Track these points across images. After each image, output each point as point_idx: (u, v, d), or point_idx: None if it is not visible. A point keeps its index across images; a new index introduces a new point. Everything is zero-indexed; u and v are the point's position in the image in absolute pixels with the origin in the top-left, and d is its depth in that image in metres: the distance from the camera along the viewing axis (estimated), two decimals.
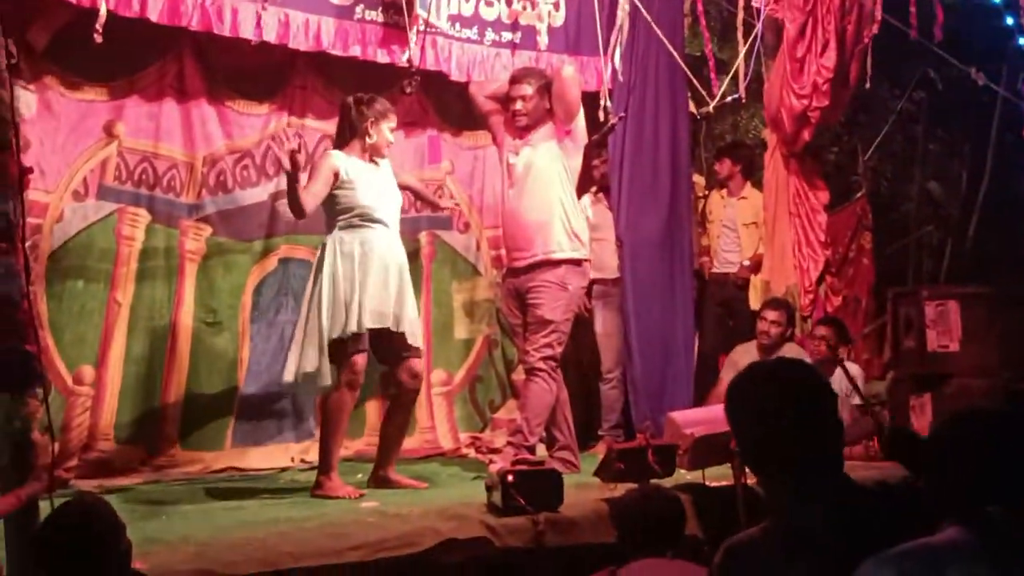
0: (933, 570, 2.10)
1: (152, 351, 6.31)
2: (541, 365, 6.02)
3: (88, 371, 6.11)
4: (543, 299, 6.07)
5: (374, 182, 5.71)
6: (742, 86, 7.25)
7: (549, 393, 6.05)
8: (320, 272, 5.57)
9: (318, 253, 5.70)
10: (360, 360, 5.59)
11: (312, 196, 5.54)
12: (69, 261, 6.06)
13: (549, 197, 6.09)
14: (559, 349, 6.10)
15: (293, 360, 5.56)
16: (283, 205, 6.67)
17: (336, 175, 5.59)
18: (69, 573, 3.01)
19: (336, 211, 5.64)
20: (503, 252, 6.54)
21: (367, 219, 5.65)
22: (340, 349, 5.52)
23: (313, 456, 6.49)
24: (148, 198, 6.33)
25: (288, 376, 5.61)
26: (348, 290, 5.51)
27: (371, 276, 5.57)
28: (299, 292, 6.58)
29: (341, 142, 5.76)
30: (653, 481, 4.88)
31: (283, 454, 6.68)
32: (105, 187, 6.20)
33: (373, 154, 5.75)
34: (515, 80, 6.18)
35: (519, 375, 7.39)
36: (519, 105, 6.10)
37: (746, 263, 7.71)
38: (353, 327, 5.50)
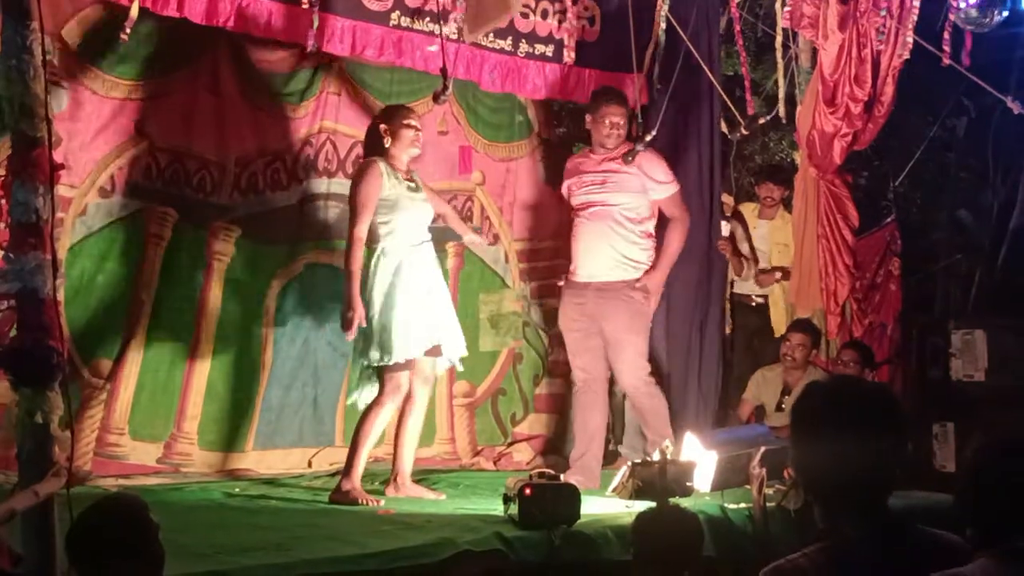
0: None
1: (174, 349, 6.31)
2: (652, 379, 6.37)
3: (106, 365, 6.10)
4: (623, 316, 6.30)
5: (411, 199, 5.76)
6: (781, 107, 7.25)
7: (664, 403, 6.42)
8: (368, 296, 5.63)
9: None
10: (403, 377, 5.65)
11: (363, 220, 5.62)
12: (90, 255, 6.05)
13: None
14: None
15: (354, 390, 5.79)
16: (312, 210, 6.72)
17: (380, 187, 5.64)
18: (99, 571, 3.01)
19: (375, 231, 5.68)
20: (572, 269, 6.60)
21: (408, 239, 5.70)
22: (387, 367, 5.59)
23: (331, 462, 6.50)
24: (178, 197, 6.32)
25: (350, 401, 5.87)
26: (388, 316, 5.57)
27: (419, 299, 5.64)
28: (326, 296, 6.62)
29: (373, 152, 5.79)
30: (672, 500, 4.85)
31: (301, 458, 6.67)
32: (134, 185, 6.19)
33: (401, 167, 5.80)
34: (610, 103, 6.49)
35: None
36: (612, 129, 6.45)
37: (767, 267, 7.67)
38: (401, 356, 5.56)
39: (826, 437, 2.40)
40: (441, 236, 7.07)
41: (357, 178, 5.77)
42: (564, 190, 6.78)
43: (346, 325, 5.57)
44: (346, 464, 5.66)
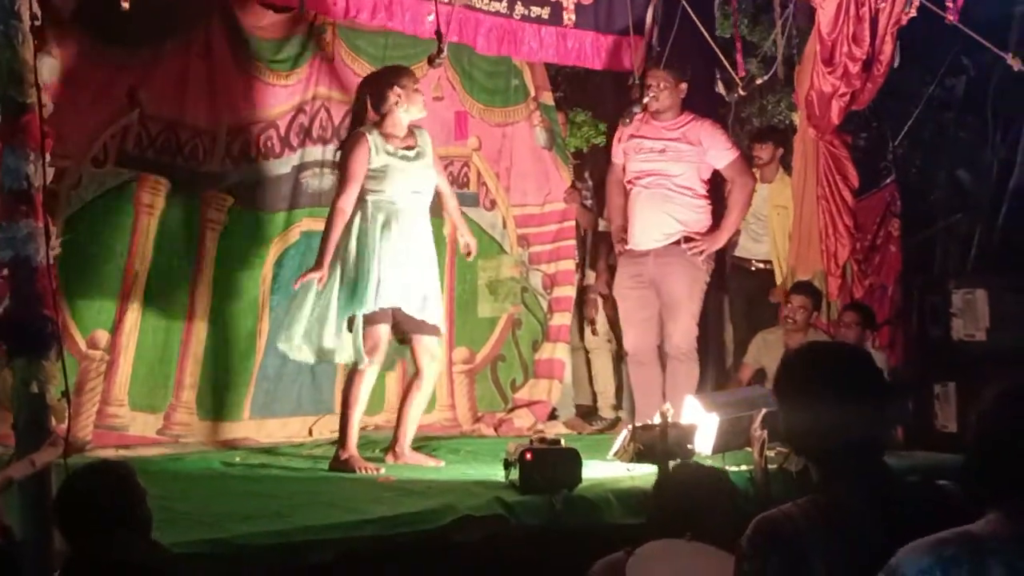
0: (972, 559, 2.03)
1: (169, 319, 6.28)
2: (696, 346, 6.52)
3: (102, 336, 6.07)
4: (681, 280, 6.42)
5: (405, 167, 5.65)
6: (781, 69, 7.21)
7: (696, 377, 6.55)
8: (339, 245, 5.54)
9: None
10: (381, 334, 5.56)
11: (348, 192, 5.53)
12: (84, 226, 6.00)
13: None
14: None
15: (299, 333, 5.56)
16: (307, 177, 6.67)
17: (369, 158, 5.55)
18: (88, 537, 3.01)
19: (364, 195, 5.59)
20: (629, 238, 6.67)
21: (399, 202, 5.62)
22: (361, 324, 5.49)
23: (332, 429, 6.48)
24: (169, 166, 6.26)
25: (283, 346, 5.66)
26: (366, 266, 5.48)
27: (391, 252, 5.53)
28: None
29: (359, 122, 5.71)
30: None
31: (301, 426, 6.65)
32: (126, 154, 6.13)
33: (399, 133, 5.70)
34: (650, 68, 6.67)
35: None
36: (652, 92, 6.51)
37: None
38: (371, 306, 5.46)
39: (808, 402, 2.46)
40: (439, 203, 7.04)
41: (345, 149, 5.67)
42: (618, 153, 6.80)
43: (302, 278, 5.51)
44: (339, 433, 5.62)
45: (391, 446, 5.80)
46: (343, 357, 5.64)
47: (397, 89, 5.65)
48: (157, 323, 6.24)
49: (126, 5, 5.42)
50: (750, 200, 6.83)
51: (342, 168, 5.61)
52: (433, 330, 5.71)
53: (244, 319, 6.51)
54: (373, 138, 5.60)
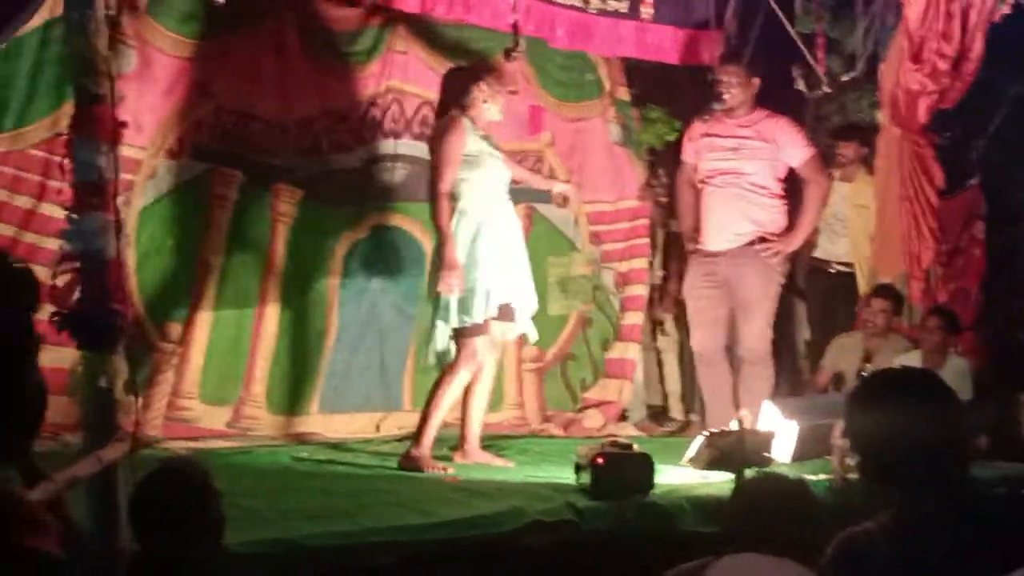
0: None
1: (241, 312, 6.27)
2: (770, 349, 6.45)
3: (175, 328, 6.08)
4: (755, 281, 6.33)
5: (492, 157, 5.62)
6: (860, 65, 7.05)
7: (771, 381, 6.45)
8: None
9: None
10: (483, 343, 5.53)
11: (449, 178, 5.47)
12: (159, 218, 6.03)
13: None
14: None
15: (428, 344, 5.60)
16: (377, 171, 6.62)
17: (464, 141, 5.49)
18: (160, 536, 2.97)
19: (455, 189, 5.52)
20: (701, 238, 6.58)
21: (487, 198, 5.56)
22: (467, 329, 5.46)
23: (399, 427, 6.42)
24: (242, 159, 6.26)
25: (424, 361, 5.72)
26: (472, 275, 5.44)
27: (493, 257, 5.50)
28: (393, 259, 6.54)
29: (444, 112, 5.64)
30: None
31: (367, 422, 6.60)
32: (200, 146, 6.14)
33: (482, 127, 5.65)
34: (721, 65, 6.57)
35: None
36: (723, 88, 6.40)
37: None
38: (480, 317, 5.44)
39: (880, 424, 2.47)
40: (512, 198, 6.95)
41: (441, 133, 5.58)
42: (689, 153, 6.70)
43: (446, 285, 5.40)
44: (417, 431, 5.56)
45: (459, 444, 5.73)
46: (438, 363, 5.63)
47: (483, 86, 5.60)
48: (229, 316, 6.23)
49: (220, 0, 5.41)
50: (826, 200, 6.70)
51: (440, 152, 5.52)
52: (505, 314, 5.65)
53: (313, 314, 6.48)
54: (467, 123, 5.55)
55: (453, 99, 5.64)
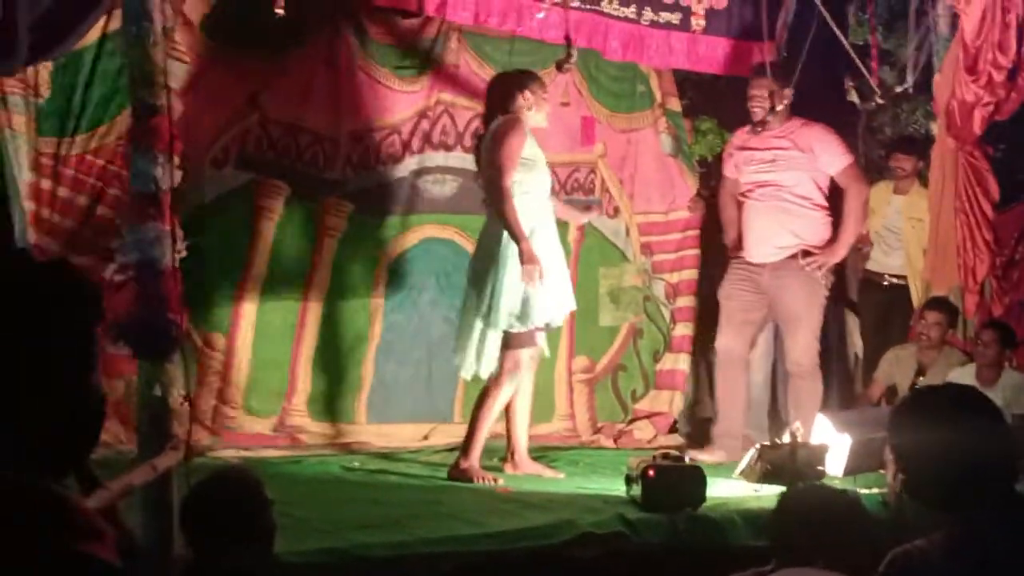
0: None
1: (284, 323, 6.30)
2: (818, 361, 6.39)
3: (219, 338, 6.12)
4: (799, 295, 6.28)
5: (542, 160, 5.61)
6: (911, 76, 7.00)
7: (819, 394, 6.39)
8: (498, 261, 5.44)
9: (483, 238, 5.60)
10: (527, 354, 5.52)
11: (511, 172, 5.43)
12: (203, 228, 5.96)
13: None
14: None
15: (472, 355, 5.53)
16: (427, 183, 6.63)
17: (524, 142, 5.47)
18: (210, 544, 3.00)
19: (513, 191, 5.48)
20: (745, 250, 6.52)
21: (539, 203, 5.55)
22: (515, 339, 5.45)
23: (448, 437, 6.42)
24: (290, 171, 6.28)
25: (466, 373, 5.64)
26: (515, 285, 5.39)
27: (553, 267, 5.48)
28: (441, 272, 6.55)
29: (491, 118, 5.62)
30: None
31: (417, 433, 6.60)
32: (246, 157, 6.17)
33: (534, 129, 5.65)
34: (751, 78, 6.51)
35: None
36: (755, 102, 6.36)
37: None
38: (540, 321, 5.44)
39: (927, 443, 2.43)
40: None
41: (503, 133, 5.49)
42: (730, 167, 6.67)
43: (529, 279, 5.32)
44: (464, 442, 5.57)
45: (508, 455, 5.72)
46: (481, 373, 5.59)
47: (528, 93, 5.58)
48: (272, 327, 6.26)
49: (280, 11, 5.44)
50: (866, 208, 6.61)
51: (501, 150, 5.43)
52: (545, 329, 5.64)
53: (356, 322, 6.48)
54: (526, 125, 5.54)
55: (499, 105, 5.62)
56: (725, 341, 6.53)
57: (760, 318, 6.50)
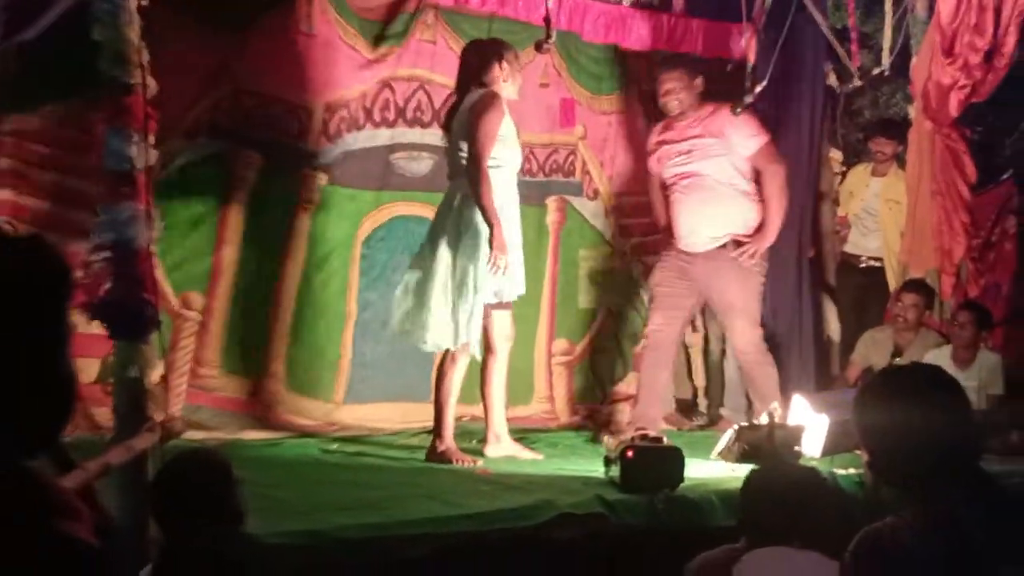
0: None
1: (260, 292, 6.27)
2: (764, 345, 6.30)
3: (196, 297, 6.09)
4: (735, 285, 6.21)
5: (514, 135, 5.56)
6: (886, 59, 7.00)
7: (775, 376, 6.31)
8: (467, 233, 5.37)
9: (447, 210, 5.50)
10: (483, 324, 5.47)
11: (490, 148, 5.35)
12: (176, 192, 5.92)
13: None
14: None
15: (445, 329, 5.39)
16: (400, 159, 6.59)
17: (502, 120, 5.41)
18: (181, 525, 2.99)
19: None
20: (676, 240, 6.45)
21: (509, 179, 5.51)
22: (476, 314, 5.38)
23: (426, 417, 6.41)
24: (263, 142, 6.22)
25: (430, 346, 5.50)
26: (480, 256, 5.33)
27: (518, 238, 5.45)
28: (414, 251, 6.51)
29: (470, 86, 5.53)
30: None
31: (395, 413, 6.58)
32: (218, 127, 6.11)
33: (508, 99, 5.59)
34: (661, 72, 6.38)
35: (641, 348, 7.26)
36: (669, 97, 6.27)
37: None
38: (510, 294, 5.40)
39: (892, 422, 2.43)
40: (544, 190, 6.93)
41: (481, 109, 5.40)
42: (652, 163, 6.61)
43: (495, 266, 5.26)
44: (434, 424, 5.54)
45: (488, 436, 5.71)
46: (435, 346, 5.53)
47: (504, 63, 5.53)
48: (248, 295, 6.22)
49: None
50: (786, 188, 6.41)
51: (480, 128, 5.35)
52: (507, 305, 5.59)
53: (332, 299, 6.46)
54: (504, 100, 5.46)
55: (475, 75, 5.54)
56: (653, 328, 6.46)
57: (690, 305, 6.46)
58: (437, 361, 5.77)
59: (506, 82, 5.53)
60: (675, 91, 6.27)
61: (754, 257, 6.25)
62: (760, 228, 6.29)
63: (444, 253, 5.39)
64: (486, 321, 5.50)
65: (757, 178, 6.35)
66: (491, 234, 5.25)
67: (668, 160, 6.42)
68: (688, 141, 6.32)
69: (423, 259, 5.52)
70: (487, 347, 5.59)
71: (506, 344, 5.66)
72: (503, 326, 5.61)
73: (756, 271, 6.30)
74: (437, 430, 5.50)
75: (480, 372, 5.67)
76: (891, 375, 2.77)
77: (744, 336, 6.30)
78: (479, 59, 5.57)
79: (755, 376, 6.31)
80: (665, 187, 6.51)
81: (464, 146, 5.42)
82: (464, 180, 5.42)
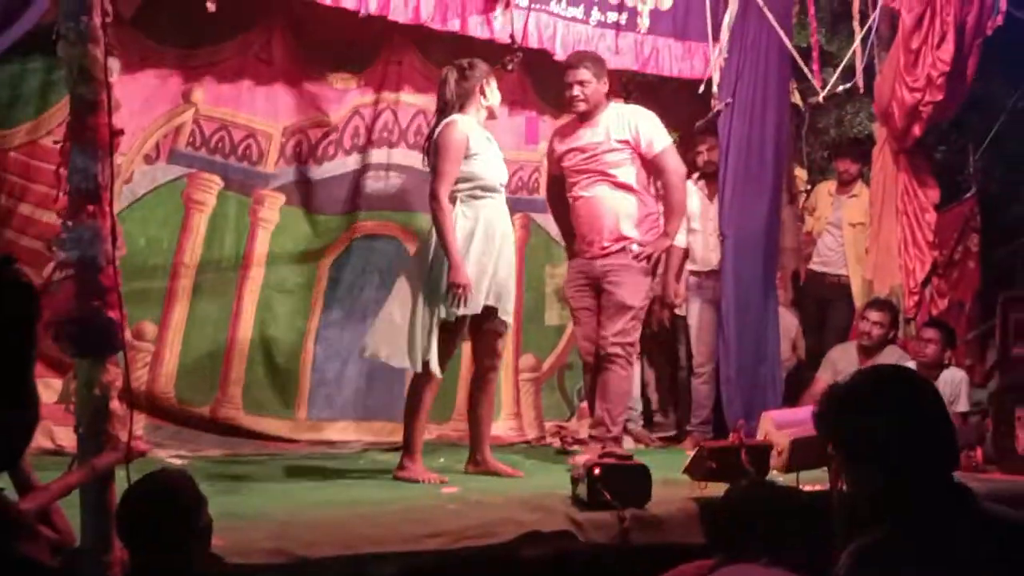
0: None
1: (217, 315, 6.31)
2: (620, 351, 5.94)
3: (149, 328, 6.13)
4: (624, 283, 5.97)
5: (492, 149, 5.54)
6: (860, 76, 7.02)
7: (628, 380, 6.06)
8: (433, 250, 5.35)
9: (429, 233, 5.48)
10: (457, 342, 5.48)
11: (449, 181, 5.34)
12: (134, 220, 6.04)
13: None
14: (637, 335, 6.08)
15: (398, 345, 5.36)
16: (368, 179, 6.60)
17: (467, 145, 5.37)
18: (147, 546, 2.99)
19: (456, 182, 5.40)
20: (576, 243, 6.29)
21: (487, 190, 5.47)
22: (444, 330, 5.35)
23: (392, 437, 6.39)
24: (222, 165, 6.32)
25: (397, 362, 5.45)
26: (472, 270, 5.33)
27: (493, 253, 5.41)
28: (385, 270, 6.51)
29: (450, 110, 5.49)
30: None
31: (362, 431, 6.57)
32: (177, 152, 6.21)
33: (487, 117, 5.58)
34: (571, 65, 6.10)
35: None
36: (576, 91, 6.02)
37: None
38: (476, 307, 5.34)
39: (868, 430, 2.40)
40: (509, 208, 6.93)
41: (438, 140, 5.41)
42: (554, 165, 6.39)
43: (456, 300, 5.25)
44: (404, 442, 5.51)
45: (471, 456, 5.68)
46: (417, 364, 5.48)
47: (482, 84, 5.51)
48: (204, 318, 6.27)
49: (212, 7, 5.38)
50: (684, 191, 6.31)
51: (439, 159, 5.37)
52: (500, 325, 5.58)
53: (293, 318, 6.49)
54: (464, 122, 5.42)
55: (455, 102, 5.49)
56: (579, 341, 6.32)
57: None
58: (408, 380, 5.74)
59: (485, 95, 5.52)
60: (588, 83, 6.03)
61: (649, 260, 6.08)
62: (660, 232, 6.16)
63: (415, 274, 5.42)
64: (476, 342, 5.54)
65: (658, 180, 6.24)
66: (450, 264, 5.25)
67: (569, 162, 6.18)
68: (593, 143, 6.11)
69: (401, 280, 5.52)
70: (476, 367, 5.63)
71: (494, 363, 5.64)
72: (493, 346, 5.59)
73: (648, 279, 6.13)
74: (406, 447, 5.47)
75: (468, 393, 5.71)
76: (862, 377, 2.67)
77: (619, 333, 6.00)
78: (460, 87, 5.52)
79: (613, 380, 6.02)
80: (569, 190, 6.30)
81: None
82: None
